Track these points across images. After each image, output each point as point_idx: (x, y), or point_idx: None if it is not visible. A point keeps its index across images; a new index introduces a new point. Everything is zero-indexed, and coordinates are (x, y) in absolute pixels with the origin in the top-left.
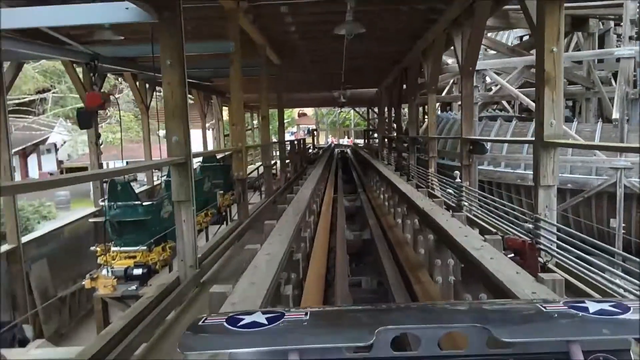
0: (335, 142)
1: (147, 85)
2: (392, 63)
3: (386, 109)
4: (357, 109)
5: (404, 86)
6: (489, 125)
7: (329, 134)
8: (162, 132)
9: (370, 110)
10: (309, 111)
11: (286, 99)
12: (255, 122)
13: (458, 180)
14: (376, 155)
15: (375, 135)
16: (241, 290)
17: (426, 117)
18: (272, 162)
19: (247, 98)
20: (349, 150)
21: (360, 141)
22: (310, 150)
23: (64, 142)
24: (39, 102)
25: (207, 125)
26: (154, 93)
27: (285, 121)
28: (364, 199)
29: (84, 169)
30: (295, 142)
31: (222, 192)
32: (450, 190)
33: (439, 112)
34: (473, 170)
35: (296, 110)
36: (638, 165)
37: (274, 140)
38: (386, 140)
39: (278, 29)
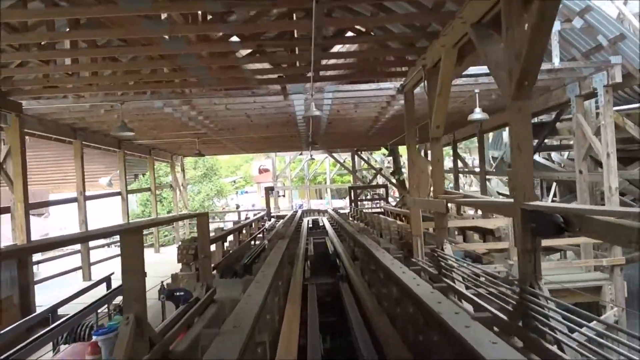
0: (305, 207)
1: None
2: None
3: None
4: (335, 155)
5: None
6: None
7: (293, 194)
8: None
9: (357, 155)
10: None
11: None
12: (177, 176)
13: None
14: (406, 250)
15: (364, 196)
16: None
17: None
18: None
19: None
20: (326, 224)
21: (341, 203)
22: (264, 223)
23: None
24: None
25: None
26: None
27: (238, 178)
28: None
29: None
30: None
31: None
32: None
33: None
34: None
35: (256, 164)
36: None
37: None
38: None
39: None
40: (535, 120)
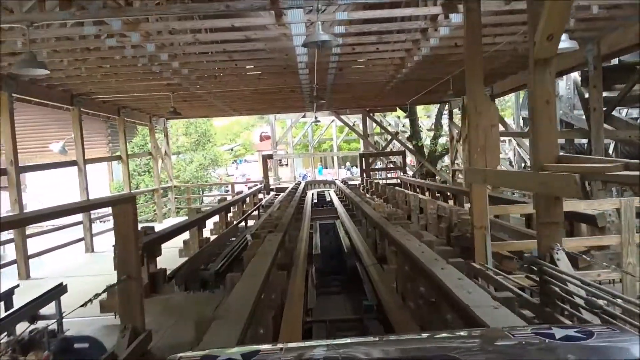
0: (309, 177)
1: None
2: None
3: None
4: (344, 118)
5: None
6: None
7: (295, 163)
8: None
9: (368, 117)
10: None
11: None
12: (159, 142)
13: None
14: (459, 248)
15: (377, 164)
16: None
17: None
18: None
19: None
20: (334, 199)
21: (346, 172)
22: (263, 197)
23: None
24: None
25: None
26: None
27: (236, 145)
28: None
29: None
30: None
31: None
32: None
33: None
34: None
35: (257, 131)
36: None
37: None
38: None
39: None
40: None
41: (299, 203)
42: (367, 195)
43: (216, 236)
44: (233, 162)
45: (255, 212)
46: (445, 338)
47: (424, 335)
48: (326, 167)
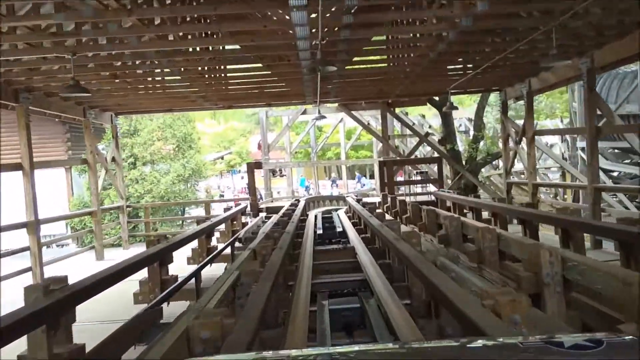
0: (313, 190)
1: None
2: None
3: None
4: (356, 114)
5: None
6: None
7: (295, 174)
8: None
9: (389, 113)
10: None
11: None
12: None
13: None
14: None
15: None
16: None
17: None
18: None
19: None
20: (349, 231)
21: (354, 184)
22: (245, 223)
23: None
24: None
25: None
26: None
27: (226, 153)
28: None
29: None
30: None
31: None
32: None
33: None
34: None
35: (254, 139)
36: None
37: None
38: None
39: None
40: None
41: (293, 238)
42: (425, 234)
43: (145, 306)
44: (228, 172)
45: (228, 250)
46: (452, 347)
47: (430, 344)
48: (330, 178)
